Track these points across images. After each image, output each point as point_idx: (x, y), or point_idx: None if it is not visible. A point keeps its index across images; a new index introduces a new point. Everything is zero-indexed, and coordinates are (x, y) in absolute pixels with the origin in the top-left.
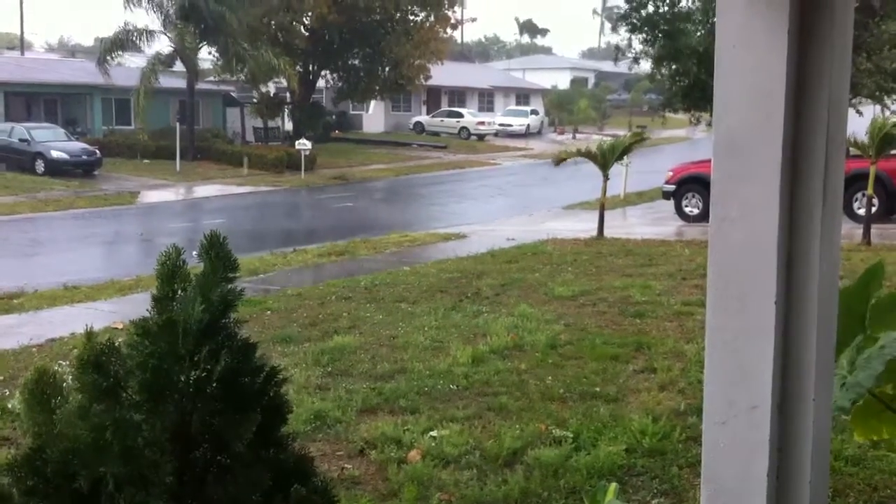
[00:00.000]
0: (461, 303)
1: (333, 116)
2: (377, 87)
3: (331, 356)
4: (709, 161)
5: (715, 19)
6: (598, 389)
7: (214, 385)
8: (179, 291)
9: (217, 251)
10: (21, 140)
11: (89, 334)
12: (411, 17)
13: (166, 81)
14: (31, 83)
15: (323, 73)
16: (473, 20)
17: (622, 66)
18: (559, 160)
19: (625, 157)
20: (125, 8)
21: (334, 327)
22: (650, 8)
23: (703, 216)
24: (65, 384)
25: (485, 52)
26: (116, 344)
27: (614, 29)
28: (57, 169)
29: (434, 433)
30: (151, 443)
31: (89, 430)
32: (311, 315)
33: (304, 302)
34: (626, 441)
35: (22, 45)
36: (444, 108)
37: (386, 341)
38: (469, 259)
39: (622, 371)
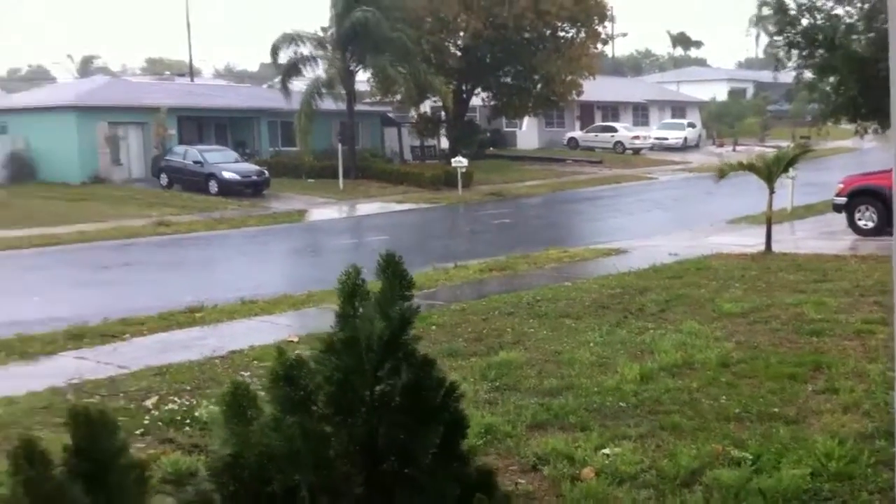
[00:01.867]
0: (626, 319)
1: (488, 134)
2: (530, 104)
3: (497, 371)
4: (883, 172)
5: (885, 26)
6: (776, 410)
7: (398, 399)
8: (360, 308)
9: (394, 270)
10: (195, 162)
11: (280, 350)
12: (562, 34)
13: (327, 104)
14: (203, 108)
15: (476, 91)
16: (624, 35)
17: (783, 76)
18: (722, 173)
19: (790, 170)
20: (292, 43)
21: (499, 342)
22: (804, 22)
23: (879, 230)
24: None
25: (637, 65)
26: (305, 358)
27: (770, 42)
28: (228, 189)
29: (607, 451)
30: (341, 454)
31: (283, 440)
32: (476, 330)
33: (468, 317)
34: (811, 464)
35: (191, 71)
36: (598, 123)
37: (551, 357)
38: (631, 274)
39: (801, 391)
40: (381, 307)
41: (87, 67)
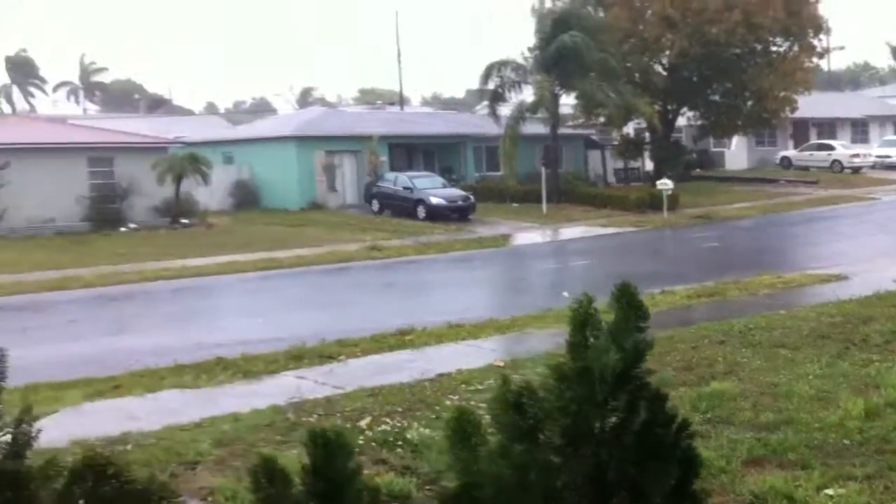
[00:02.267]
0: (847, 350)
1: (694, 154)
2: (739, 123)
3: (709, 402)
4: None
5: None
6: None
7: (629, 433)
8: (591, 338)
9: (629, 300)
10: (405, 188)
11: (504, 377)
12: (774, 48)
13: (531, 128)
14: (412, 135)
15: (682, 110)
16: (841, 48)
17: None
18: None
19: None
20: (485, 80)
21: (710, 372)
22: None
23: None
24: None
25: (855, 79)
26: (534, 386)
27: None
28: (436, 214)
29: (830, 491)
30: (570, 486)
31: (512, 469)
32: (685, 358)
33: (676, 345)
34: None
35: (401, 100)
36: (813, 140)
37: (767, 389)
38: (852, 302)
39: None
40: (614, 338)
41: (305, 98)
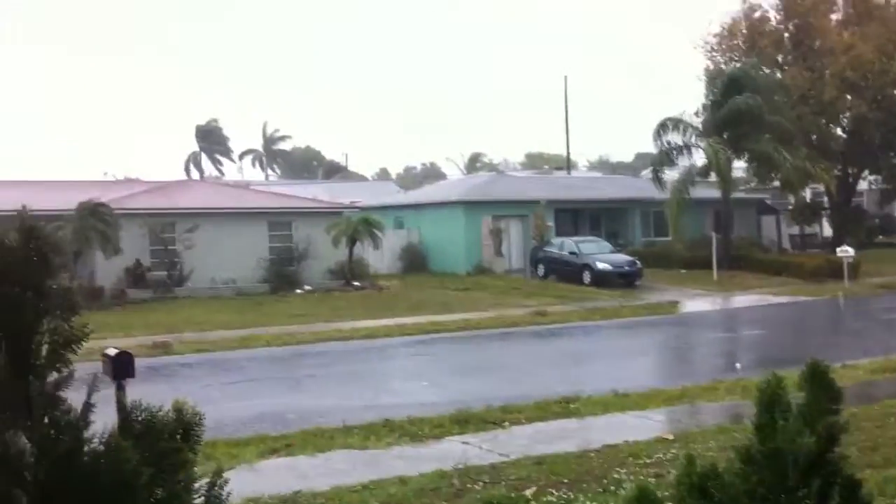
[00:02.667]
0: None
1: (876, 220)
2: None
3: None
4: None
5: None
6: None
7: None
8: (780, 420)
9: (821, 380)
10: (570, 253)
11: (689, 457)
12: None
13: (701, 192)
14: (578, 200)
15: (863, 174)
16: None
17: None
18: None
19: None
20: (657, 137)
21: None
22: None
23: None
24: None
25: None
26: (719, 469)
27: None
28: (602, 279)
29: None
30: None
31: None
32: (870, 438)
33: (861, 423)
34: None
35: (568, 164)
36: None
37: None
38: None
39: None
40: (806, 419)
41: (473, 164)
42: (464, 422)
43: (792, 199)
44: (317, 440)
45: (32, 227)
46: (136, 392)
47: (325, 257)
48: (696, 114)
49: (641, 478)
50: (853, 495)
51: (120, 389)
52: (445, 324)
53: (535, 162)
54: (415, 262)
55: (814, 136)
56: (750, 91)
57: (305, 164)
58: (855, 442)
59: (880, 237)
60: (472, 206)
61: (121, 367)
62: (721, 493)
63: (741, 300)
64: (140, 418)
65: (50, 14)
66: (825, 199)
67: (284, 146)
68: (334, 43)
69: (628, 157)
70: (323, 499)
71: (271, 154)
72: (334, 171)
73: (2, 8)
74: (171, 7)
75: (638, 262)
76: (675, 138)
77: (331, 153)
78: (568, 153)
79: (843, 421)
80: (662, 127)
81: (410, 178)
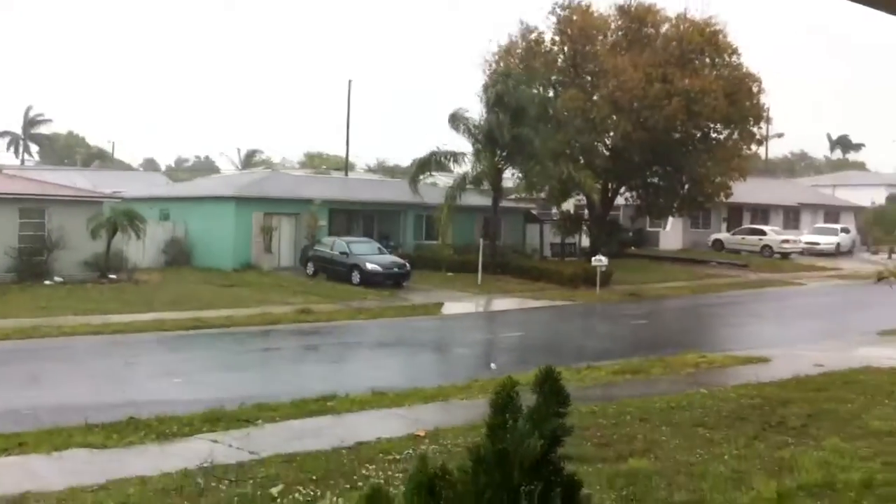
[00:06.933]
0: (764, 432)
1: (630, 233)
2: (675, 205)
3: (625, 480)
4: None
5: None
6: None
7: None
8: (510, 422)
9: (550, 385)
10: (341, 252)
11: (422, 458)
12: (713, 135)
13: (472, 199)
14: (353, 201)
15: (621, 190)
16: (780, 136)
17: None
18: (880, 277)
19: None
20: (452, 129)
21: (629, 449)
22: None
23: None
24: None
25: (791, 168)
26: (449, 470)
27: None
28: (370, 280)
29: None
30: None
31: None
32: (605, 434)
33: (598, 420)
34: None
35: (346, 166)
36: (746, 225)
37: (683, 468)
38: (772, 385)
39: None
40: (534, 422)
41: (250, 160)
42: (215, 420)
43: (556, 210)
44: (53, 439)
45: None
46: None
47: (82, 248)
48: (475, 126)
49: (389, 473)
50: (573, 496)
51: None
52: (206, 320)
53: (314, 162)
54: (179, 256)
55: (581, 155)
56: (514, 108)
57: (68, 151)
58: (591, 437)
59: (632, 248)
60: (243, 202)
61: None
62: (449, 491)
63: (502, 303)
64: None
65: None
66: (586, 211)
67: (45, 130)
68: (109, 29)
69: (406, 162)
70: (55, 500)
71: (31, 138)
72: (97, 159)
73: None
74: None
75: (407, 264)
76: (448, 148)
77: (97, 140)
78: (347, 155)
79: (569, 424)
80: (453, 118)
81: (182, 171)
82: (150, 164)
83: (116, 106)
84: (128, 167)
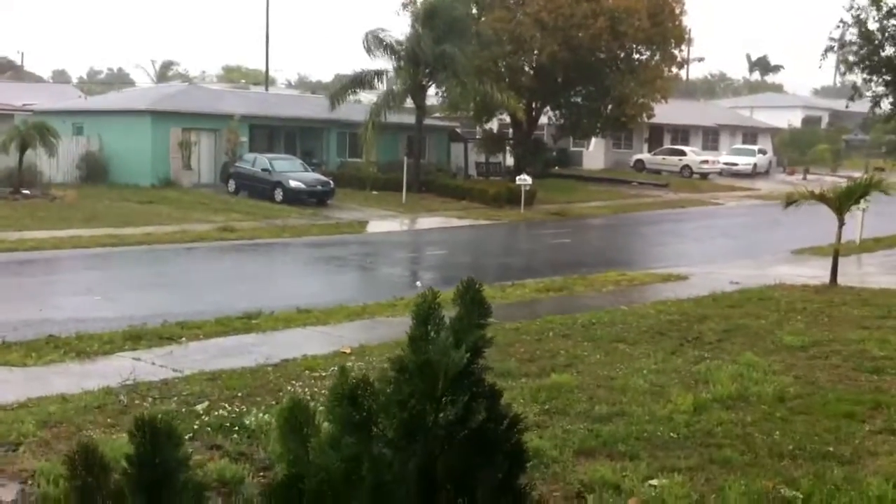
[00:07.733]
0: (682, 347)
1: (554, 153)
2: (599, 125)
3: (548, 394)
4: None
5: None
6: (830, 449)
7: (462, 429)
8: (433, 333)
9: (472, 296)
10: (263, 170)
11: (342, 368)
12: (637, 56)
13: (397, 118)
14: (274, 117)
15: (545, 110)
16: (701, 60)
17: (859, 105)
18: (789, 202)
19: (862, 201)
20: (367, 53)
21: (552, 364)
22: (890, 50)
23: None
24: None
25: (710, 89)
26: (370, 379)
27: (850, 70)
28: (294, 197)
29: (654, 482)
30: (400, 480)
31: (341, 461)
32: (529, 350)
33: (522, 337)
34: None
35: (266, 81)
36: (667, 146)
37: (603, 382)
38: (690, 301)
39: (857, 431)
40: (456, 334)
41: (165, 73)
42: (137, 338)
43: (480, 129)
44: None
45: None
46: None
47: None
48: (397, 42)
49: (316, 390)
50: (493, 405)
51: None
52: (125, 237)
53: (233, 76)
54: (95, 172)
55: (507, 74)
56: (446, 22)
57: None
58: (515, 353)
59: (556, 168)
60: (160, 116)
61: None
62: (372, 401)
63: (427, 222)
64: None
65: None
66: (510, 130)
67: None
68: None
69: (328, 77)
70: None
71: None
72: (5, 69)
73: None
74: None
75: (331, 182)
76: (375, 65)
77: (4, 50)
78: (267, 69)
79: (490, 336)
80: (374, 38)
81: (95, 84)
82: (61, 76)
83: (25, 14)
84: (38, 79)
